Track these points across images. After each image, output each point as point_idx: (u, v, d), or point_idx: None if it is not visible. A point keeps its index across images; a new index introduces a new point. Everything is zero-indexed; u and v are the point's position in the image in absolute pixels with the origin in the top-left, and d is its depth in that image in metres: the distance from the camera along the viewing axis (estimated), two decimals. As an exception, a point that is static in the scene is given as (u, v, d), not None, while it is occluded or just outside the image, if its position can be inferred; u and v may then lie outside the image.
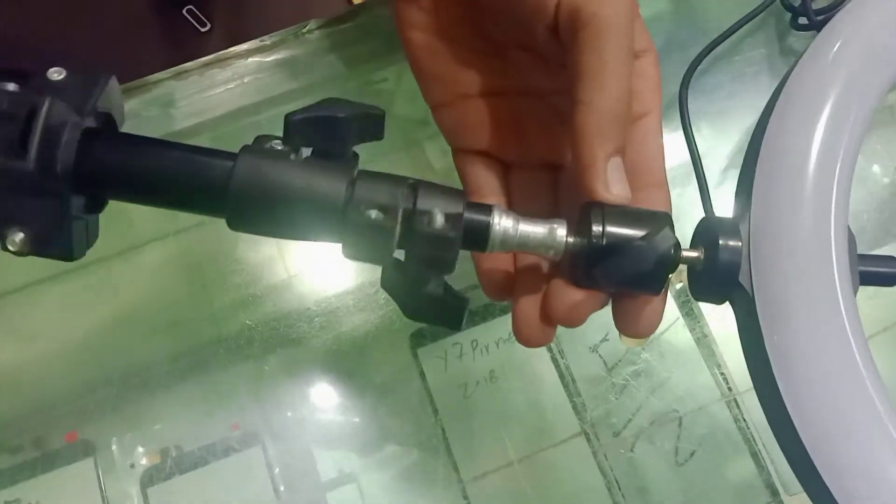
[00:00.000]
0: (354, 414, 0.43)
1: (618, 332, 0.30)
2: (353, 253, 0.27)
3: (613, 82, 0.28)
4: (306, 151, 0.27)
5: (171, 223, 0.46)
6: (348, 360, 0.44)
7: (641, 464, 0.43)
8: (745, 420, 0.43)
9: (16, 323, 0.46)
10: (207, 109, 0.45)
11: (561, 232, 0.28)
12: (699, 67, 0.46)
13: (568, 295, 0.28)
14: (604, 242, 0.27)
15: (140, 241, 0.46)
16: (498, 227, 0.28)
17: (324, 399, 0.44)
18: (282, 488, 0.42)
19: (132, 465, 0.42)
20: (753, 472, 0.42)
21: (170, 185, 0.27)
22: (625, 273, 0.27)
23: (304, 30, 0.45)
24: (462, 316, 0.28)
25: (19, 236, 0.26)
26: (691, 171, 0.43)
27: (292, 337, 0.44)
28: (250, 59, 0.45)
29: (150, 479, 0.42)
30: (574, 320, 0.29)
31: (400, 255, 0.28)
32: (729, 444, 0.43)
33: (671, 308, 0.44)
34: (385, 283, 0.29)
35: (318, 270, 0.45)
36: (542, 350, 0.44)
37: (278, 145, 0.26)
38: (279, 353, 0.44)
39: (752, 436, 0.43)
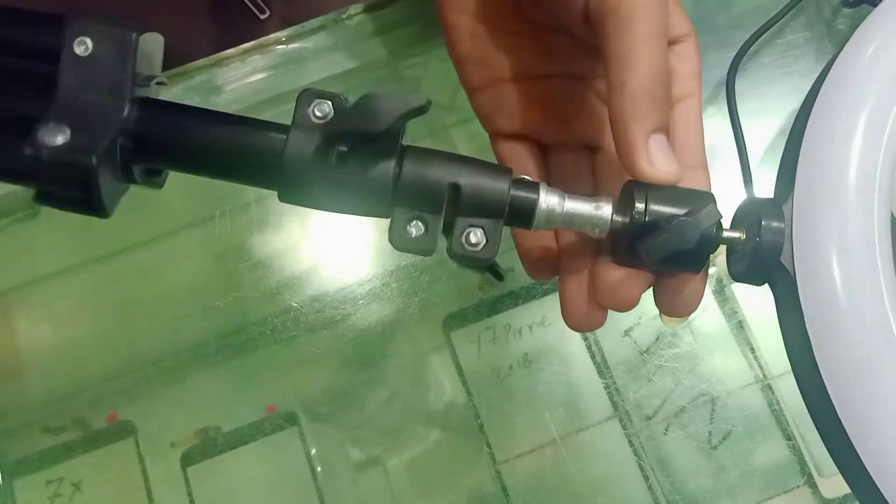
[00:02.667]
0: (387, 396, 0.44)
1: (658, 312, 0.30)
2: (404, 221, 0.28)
3: (644, 64, 0.28)
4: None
5: (201, 209, 0.47)
6: (381, 344, 0.45)
7: (675, 447, 0.43)
8: (778, 403, 0.43)
9: (53, 307, 0.47)
10: (248, 95, 0.46)
11: (607, 209, 0.28)
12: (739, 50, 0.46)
13: (613, 274, 0.28)
14: (646, 220, 0.27)
15: (173, 228, 0.47)
16: (544, 205, 0.28)
17: (357, 381, 0.44)
18: (318, 468, 0.43)
19: (172, 445, 0.43)
20: (786, 454, 0.43)
21: (222, 155, 0.27)
22: (668, 248, 0.27)
23: (344, 16, 0.46)
24: None
25: (63, 135, 0.25)
26: (725, 153, 0.44)
27: (325, 320, 0.44)
28: (290, 46, 0.46)
29: (189, 458, 0.43)
30: (621, 301, 0.29)
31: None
32: (762, 428, 0.43)
33: (705, 294, 0.45)
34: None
35: (349, 255, 0.46)
36: (576, 334, 0.44)
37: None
38: (313, 336, 0.44)
39: (785, 419, 0.43)
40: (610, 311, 0.30)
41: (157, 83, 0.28)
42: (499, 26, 0.34)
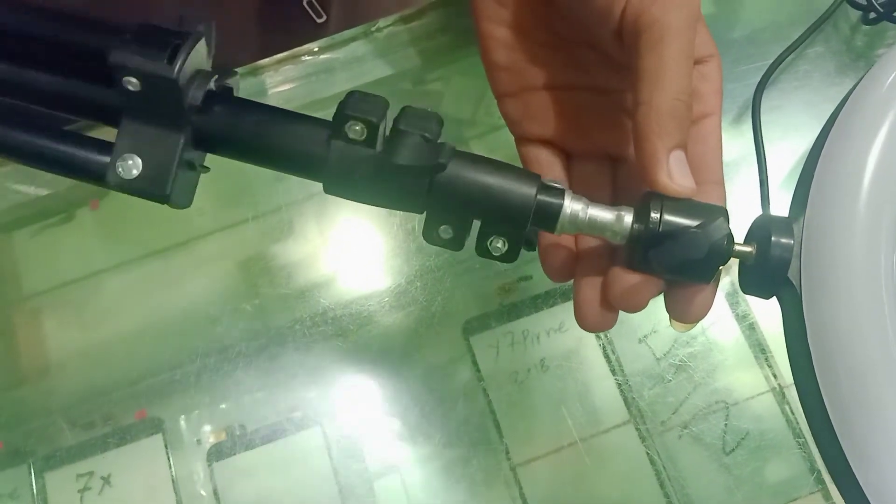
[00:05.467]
0: (407, 400, 0.45)
1: (668, 317, 0.32)
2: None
3: (672, 82, 0.29)
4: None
5: (232, 214, 0.48)
6: (403, 349, 0.46)
7: (689, 452, 0.43)
8: (792, 410, 0.44)
9: (82, 310, 0.48)
10: (281, 103, 0.45)
11: (628, 218, 0.29)
12: (755, 66, 0.47)
13: (626, 279, 0.30)
14: (660, 229, 0.29)
15: (203, 232, 0.48)
16: (568, 210, 0.29)
17: (378, 385, 0.45)
18: (340, 469, 0.44)
19: (198, 442, 0.45)
20: (800, 461, 0.43)
21: (275, 148, 0.29)
22: (677, 258, 0.28)
23: (374, 28, 0.48)
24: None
25: (131, 164, 0.28)
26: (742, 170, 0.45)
27: (352, 317, 0.46)
28: (321, 57, 0.47)
29: (215, 455, 0.44)
30: (631, 304, 0.30)
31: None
32: (776, 435, 0.44)
33: (719, 302, 0.45)
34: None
35: (370, 263, 0.47)
36: (592, 339, 0.45)
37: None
38: (340, 336, 0.46)
39: (799, 426, 0.43)
40: (627, 317, 0.31)
41: (217, 79, 0.30)
42: (531, 38, 0.36)
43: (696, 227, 0.28)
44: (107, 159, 0.29)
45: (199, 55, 0.28)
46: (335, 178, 0.29)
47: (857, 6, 0.49)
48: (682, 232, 0.28)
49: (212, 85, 0.29)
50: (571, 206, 0.29)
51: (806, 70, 0.48)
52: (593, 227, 0.30)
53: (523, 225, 0.30)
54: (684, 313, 0.31)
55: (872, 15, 0.48)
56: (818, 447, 0.30)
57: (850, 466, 0.29)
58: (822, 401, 0.29)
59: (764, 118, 0.47)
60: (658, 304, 0.31)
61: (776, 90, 0.48)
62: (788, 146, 0.47)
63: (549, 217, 0.29)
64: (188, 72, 0.28)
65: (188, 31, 0.27)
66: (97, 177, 0.29)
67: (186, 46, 0.27)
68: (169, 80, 0.27)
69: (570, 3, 0.34)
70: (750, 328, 0.45)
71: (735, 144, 0.47)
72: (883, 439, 0.28)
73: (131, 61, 0.27)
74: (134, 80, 0.27)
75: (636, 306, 0.30)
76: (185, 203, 0.30)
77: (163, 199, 0.29)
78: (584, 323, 0.31)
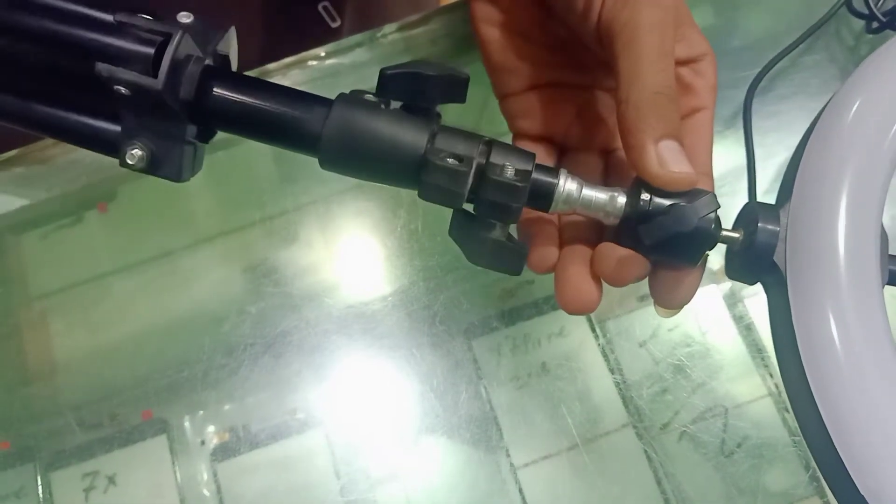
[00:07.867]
0: (409, 401, 0.45)
1: (653, 303, 0.32)
2: (429, 196, 0.29)
3: (649, 79, 0.30)
4: (396, 104, 0.30)
5: (238, 216, 0.48)
6: (405, 350, 0.46)
7: (688, 456, 0.44)
8: (788, 410, 0.44)
9: (89, 311, 0.48)
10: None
11: (621, 200, 0.30)
12: (752, 72, 0.48)
13: (615, 251, 0.30)
14: (650, 208, 0.29)
15: (208, 235, 0.49)
16: (563, 189, 0.30)
17: (380, 386, 0.46)
18: (343, 470, 0.44)
19: (202, 443, 0.45)
20: (797, 463, 0.43)
21: (273, 124, 0.30)
22: (666, 232, 0.29)
23: (379, 34, 0.49)
24: (522, 261, 0.30)
25: (139, 153, 0.29)
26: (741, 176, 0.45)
27: (351, 326, 0.46)
28: (328, 62, 0.48)
29: (218, 455, 0.45)
30: (618, 277, 0.30)
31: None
32: (774, 437, 0.44)
33: (717, 304, 0.46)
34: (453, 231, 0.31)
35: (374, 264, 0.48)
36: (592, 343, 0.46)
37: (371, 98, 0.29)
38: (339, 342, 0.46)
39: (797, 429, 0.44)
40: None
41: (213, 54, 0.30)
42: (529, 39, 0.37)
43: (686, 200, 0.29)
44: (118, 129, 0.29)
45: (186, 47, 0.28)
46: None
47: (859, 15, 0.49)
48: (672, 205, 0.29)
49: (208, 60, 0.29)
50: (566, 185, 0.30)
51: (803, 77, 0.49)
52: (587, 206, 0.30)
53: (520, 204, 0.30)
54: (669, 297, 0.32)
55: (875, 24, 0.49)
56: (802, 432, 0.31)
57: (835, 448, 0.29)
58: (808, 384, 0.30)
59: (761, 123, 0.47)
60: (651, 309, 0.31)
61: (774, 96, 0.49)
62: (784, 150, 0.47)
63: (544, 196, 0.30)
64: (176, 66, 0.28)
65: (169, 31, 0.28)
66: (112, 150, 0.30)
67: (170, 50, 0.27)
68: (155, 91, 0.27)
69: (557, 8, 0.35)
70: (747, 329, 0.45)
71: (734, 152, 0.47)
72: (868, 421, 0.29)
73: (116, 73, 0.27)
74: (124, 89, 0.28)
75: (622, 279, 0.30)
76: (195, 172, 0.31)
77: (174, 178, 0.30)
78: (568, 299, 0.31)
